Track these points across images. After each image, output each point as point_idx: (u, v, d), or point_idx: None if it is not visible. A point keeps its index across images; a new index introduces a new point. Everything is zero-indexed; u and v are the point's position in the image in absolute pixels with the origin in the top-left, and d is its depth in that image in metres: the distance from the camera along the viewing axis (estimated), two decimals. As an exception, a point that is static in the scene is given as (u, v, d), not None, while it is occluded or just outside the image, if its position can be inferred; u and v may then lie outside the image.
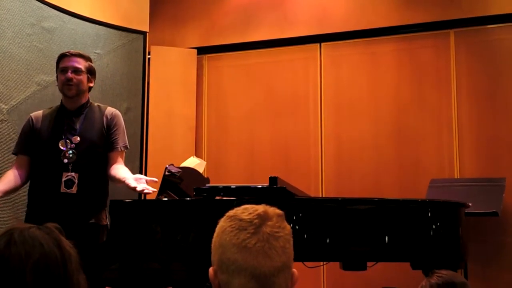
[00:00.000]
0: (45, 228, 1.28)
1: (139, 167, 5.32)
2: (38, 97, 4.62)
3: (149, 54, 5.74)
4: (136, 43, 5.50)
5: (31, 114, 3.49)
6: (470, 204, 3.61)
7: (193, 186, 3.17)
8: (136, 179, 3.10)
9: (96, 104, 3.50)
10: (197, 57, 6.08)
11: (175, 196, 3.42)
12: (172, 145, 5.77)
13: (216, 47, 6.09)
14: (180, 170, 3.56)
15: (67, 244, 1.28)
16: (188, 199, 3.40)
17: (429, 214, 3.22)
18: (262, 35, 5.92)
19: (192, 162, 4.06)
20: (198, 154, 5.78)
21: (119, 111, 3.59)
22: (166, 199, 3.36)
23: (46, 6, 4.75)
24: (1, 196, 3.20)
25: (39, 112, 3.48)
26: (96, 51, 5.12)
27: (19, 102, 4.46)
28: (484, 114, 5.14)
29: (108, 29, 5.27)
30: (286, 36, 5.84)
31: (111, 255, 3.04)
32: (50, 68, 4.72)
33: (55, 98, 4.73)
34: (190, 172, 3.76)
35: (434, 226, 3.20)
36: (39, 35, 4.68)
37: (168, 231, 3.04)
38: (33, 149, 3.37)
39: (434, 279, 2.38)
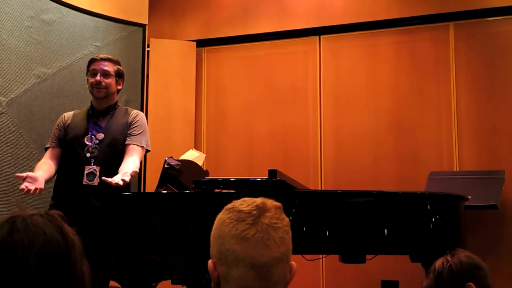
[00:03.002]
0: (48, 215, 1.28)
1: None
2: (37, 89, 4.62)
3: (148, 46, 5.73)
4: (135, 35, 5.49)
5: (64, 113, 3.69)
6: (469, 196, 3.62)
7: (192, 179, 3.18)
8: (122, 174, 3.18)
9: (124, 107, 3.72)
10: (196, 50, 6.07)
11: (174, 189, 3.43)
12: (171, 137, 5.76)
13: (215, 40, 6.08)
14: (179, 163, 3.56)
15: (70, 231, 1.28)
16: (187, 192, 3.41)
17: (428, 207, 3.22)
18: (261, 28, 5.91)
19: (191, 154, 4.05)
20: (197, 146, 5.78)
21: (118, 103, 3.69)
22: (165, 192, 3.36)
23: (45, -1, 4.75)
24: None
25: (71, 112, 3.69)
26: (95, 44, 5.11)
27: (18, 94, 4.46)
28: (483, 107, 5.14)
29: (107, 21, 5.26)
30: (285, 29, 5.83)
31: (110, 248, 3.05)
32: (49, 60, 4.73)
33: (54, 90, 4.74)
34: (189, 165, 3.76)
35: (433, 219, 3.20)
36: (38, 27, 4.67)
37: (167, 224, 3.04)
38: (63, 144, 3.54)
39: (463, 257, 2.33)
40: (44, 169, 3.42)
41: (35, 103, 4.59)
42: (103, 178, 3.10)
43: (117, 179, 3.09)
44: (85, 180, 3.37)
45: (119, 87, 3.64)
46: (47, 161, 3.50)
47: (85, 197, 3.34)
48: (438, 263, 2.34)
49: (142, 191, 5.22)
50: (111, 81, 3.55)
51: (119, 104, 3.67)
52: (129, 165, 3.32)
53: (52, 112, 4.64)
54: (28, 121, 4.51)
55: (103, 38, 5.21)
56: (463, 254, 2.34)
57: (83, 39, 5.04)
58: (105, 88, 3.52)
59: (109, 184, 3.07)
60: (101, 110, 3.57)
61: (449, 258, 2.33)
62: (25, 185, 3.14)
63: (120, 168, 3.31)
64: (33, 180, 3.19)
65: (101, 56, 3.64)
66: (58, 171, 3.53)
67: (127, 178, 3.12)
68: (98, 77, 3.51)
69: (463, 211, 3.48)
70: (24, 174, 3.19)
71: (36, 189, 3.15)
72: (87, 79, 3.59)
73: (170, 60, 5.94)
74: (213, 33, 6.07)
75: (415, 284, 4.13)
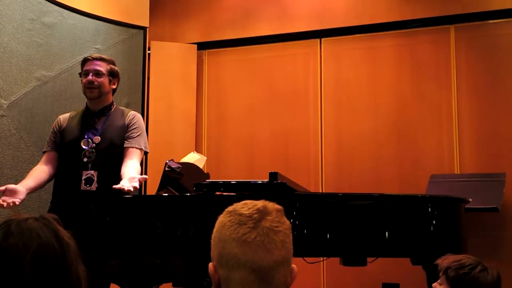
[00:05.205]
0: (43, 219, 1.28)
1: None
2: (38, 92, 4.62)
3: (149, 49, 5.74)
4: (136, 38, 5.49)
5: (59, 116, 3.64)
6: (470, 199, 3.62)
7: (193, 182, 3.17)
8: (129, 179, 3.12)
9: (121, 107, 3.64)
10: (197, 52, 6.08)
11: (175, 192, 3.43)
12: (172, 140, 5.77)
13: (216, 43, 6.08)
14: (180, 165, 3.56)
15: (65, 234, 1.28)
16: (188, 194, 3.40)
17: (429, 210, 3.22)
18: (262, 30, 5.92)
19: (192, 157, 4.06)
20: (198, 149, 5.78)
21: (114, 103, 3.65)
22: (166, 194, 3.36)
23: (46, 1, 4.74)
24: (29, 193, 3.30)
25: (67, 114, 3.63)
26: (96, 47, 5.11)
27: (19, 97, 4.46)
28: (484, 110, 5.14)
29: (108, 24, 5.26)
30: (286, 31, 5.83)
31: (111, 251, 3.05)
32: (50, 63, 4.73)
33: (55, 93, 4.74)
34: (190, 167, 3.76)
35: (434, 222, 3.20)
36: (39, 30, 4.67)
37: (168, 226, 3.04)
38: (59, 147, 3.49)
39: (479, 268, 2.31)
40: (35, 176, 3.39)
41: (36, 105, 4.59)
42: (114, 186, 3.03)
43: (127, 185, 3.03)
44: (83, 186, 3.32)
45: (114, 87, 3.57)
46: (41, 167, 3.46)
47: (84, 203, 3.29)
48: (477, 269, 2.31)
49: (143, 193, 5.22)
50: (103, 80, 3.48)
51: (115, 104, 3.60)
52: (132, 169, 3.28)
53: (53, 114, 4.63)
54: (28, 124, 4.51)
55: (104, 41, 5.21)
56: (481, 265, 2.32)
57: (84, 41, 5.04)
58: (97, 87, 3.45)
59: (121, 190, 3.01)
60: (97, 111, 3.51)
61: (490, 269, 2.32)
62: (2, 199, 3.09)
63: (123, 172, 3.27)
64: (12, 192, 3.14)
65: (94, 55, 3.57)
66: (56, 176, 3.49)
67: (137, 185, 3.08)
68: (90, 77, 3.45)
69: (464, 213, 3.48)
70: (3, 188, 3.15)
71: (13, 202, 3.08)
72: (81, 80, 3.53)
73: (171, 63, 5.94)
74: (214, 35, 6.08)
75: (416, 286, 4.13)
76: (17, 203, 3.10)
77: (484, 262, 2.37)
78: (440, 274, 2.37)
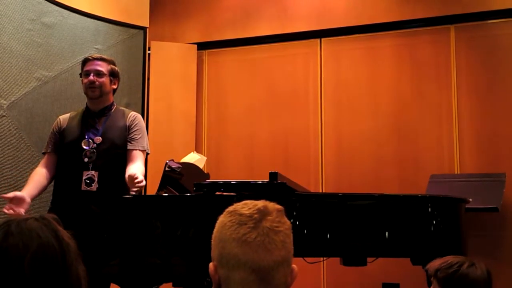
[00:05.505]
0: (43, 219, 1.28)
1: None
2: (38, 92, 4.62)
3: (149, 49, 5.73)
4: (136, 38, 5.49)
5: (59, 116, 3.66)
6: (470, 199, 3.62)
7: (193, 182, 3.17)
8: (129, 177, 3.14)
9: (121, 108, 3.66)
10: (197, 53, 6.08)
11: (175, 192, 3.42)
12: (172, 140, 5.76)
13: (216, 43, 6.08)
14: (180, 165, 3.56)
15: (65, 234, 1.28)
16: (188, 194, 3.40)
17: (429, 210, 3.22)
18: (262, 30, 5.92)
19: (192, 157, 4.06)
20: (198, 149, 5.78)
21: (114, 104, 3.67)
22: (166, 194, 3.36)
23: (46, 1, 4.74)
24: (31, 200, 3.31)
25: (67, 114, 3.65)
26: (96, 47, 5.11)
27: (19, 97, 4.46)
28: (484, 110, 5.14)
29: (108, 24, 5.26)
30: (286, 31, 5.83)
31: (111, 251, 3.05)
32: (50, 63, 4.73)
33: (55, 93, 4.74)
34: (190, 167, 3.75)
35: (434, 222, 3.20)
36: (39, 30, 4.67)
37: (169, 226, 3.04)
38: (59, 148, 3.51)
39: (466, 264, 2.32)
40: (35, 181, 3.41)
41: (36, 106, 4.59)
42: (132, 191, 3.07)
43: (141, 184, 3.09)
44: (83, 186, 3.34)
45: (114, 87, 3.60)
46: (40, 171, 3.48)
47: (84, 203, 3.30)
48: (465, 265, 2.31)
49: (143, 193, 5.21)
50: (104, 80, 3.50)
51: (115, 104, 3.62)
52: (137, 171, 3.29)
53: (53, 115, 4.63)
54: (29, 124, 4.51)
55: (104, 41, 5.21)
56: (480, 273, 2.32)
57: (84, 42, 5.04)
58: (99, 87, 3.48)
59: (136, 178, 3.05)
60: (97, 111, 3.53)
61: (477, 264, 2.32)
62: (9, 206, 3.10)
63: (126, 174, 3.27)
64: (20, 201, 3.16)
65: (94, 55, 3.59)
66: (56, 176, 3.50)
67: (143, 182, 3.12)
68: (91, 77, 3.47)
69: (464, 213, 3.48)
70: (11, 195, 3.16)
71: (19, 213, 3.10)
72: (82, 80, 3.55)
73: (171, 63, 5.94)
74: (214, 35, 6.08)
75: (416, 287, 4.13)
76: (23, 213, 3.11)
77: (473, 259, 2.38)
78: (432, 278, 2.38)
